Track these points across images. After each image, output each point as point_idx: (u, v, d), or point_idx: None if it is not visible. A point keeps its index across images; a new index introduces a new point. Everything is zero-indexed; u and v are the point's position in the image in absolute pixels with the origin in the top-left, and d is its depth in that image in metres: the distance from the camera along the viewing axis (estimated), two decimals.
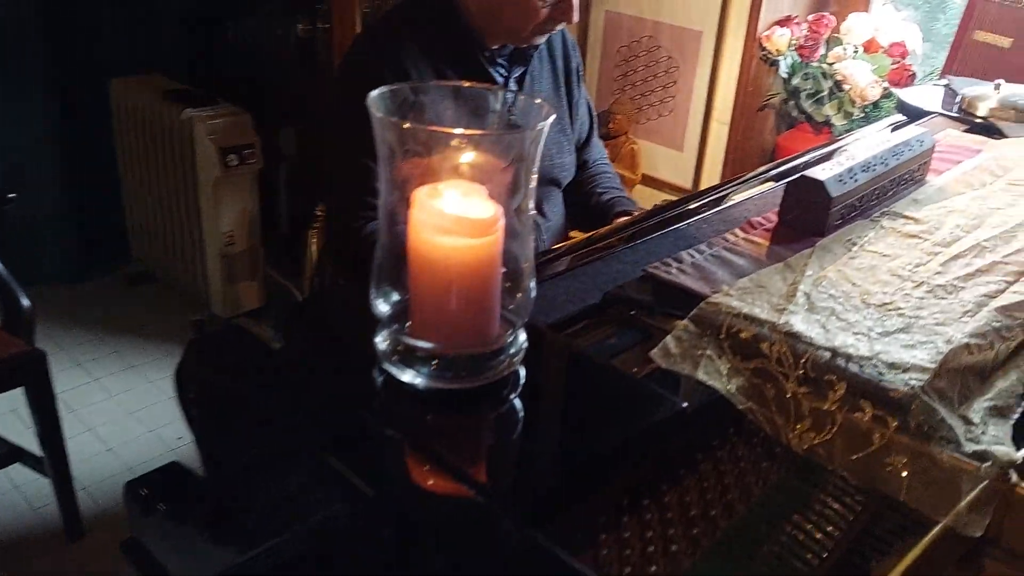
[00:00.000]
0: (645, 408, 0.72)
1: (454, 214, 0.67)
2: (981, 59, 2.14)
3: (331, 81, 1.52)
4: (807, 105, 2.33)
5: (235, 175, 2.62)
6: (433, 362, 0.69)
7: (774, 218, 1.10)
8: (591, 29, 2.74)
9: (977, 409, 0.75)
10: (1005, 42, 2.08)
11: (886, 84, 2.23)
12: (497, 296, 0.70)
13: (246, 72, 2.81)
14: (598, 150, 1.82)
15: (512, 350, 0.72)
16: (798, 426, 0.75)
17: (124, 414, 2.49)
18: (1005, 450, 0.69)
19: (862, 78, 2.20)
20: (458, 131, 0.64)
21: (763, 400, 0.77)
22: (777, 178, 1.35)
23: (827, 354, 0.77)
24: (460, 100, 0.73)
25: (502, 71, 1.54)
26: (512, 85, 1.56)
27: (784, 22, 2.35)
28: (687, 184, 2.63)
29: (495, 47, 1.50)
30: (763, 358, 0.79)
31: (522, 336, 0.73)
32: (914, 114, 1.68)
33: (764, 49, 2.35)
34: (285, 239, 2.83)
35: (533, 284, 0.73)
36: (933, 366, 0.75)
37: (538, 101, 0.68)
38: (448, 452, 0.64)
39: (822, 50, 2.27)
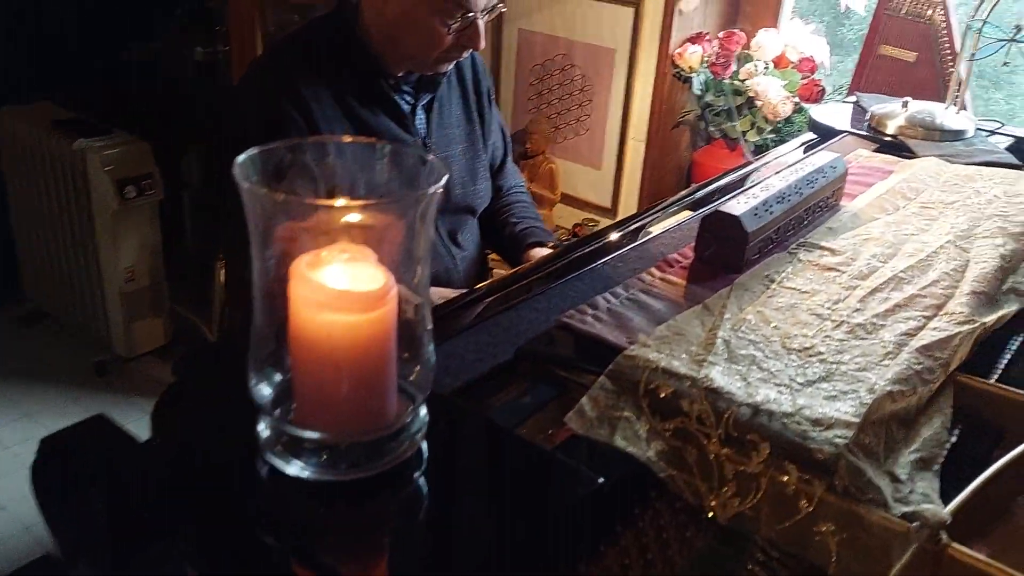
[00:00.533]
0: (559, 484, 0.66)
1: (338, 288, 0.60)
2: (888, 73, 2.17)
3: (228, 107, 1.42)
4: (721, 122, 2.33)
5: (134, 207, 2.47)
6: (323, 453, 0.62)
7: (690, 254, 1.07)
8: (504, 48, 2.70)
9: (903, 463, 0.72)
10: (910, 56, 2.12)
11: (797, 99, 2.25)
12: (392, 374, 0.63)
13: (143, 99, 2.67)
14: (513, 176, 1.77)
15: (413, 428, 0.65)
16: (722, 491, 0.70)
17: (20, 467, 2.32)
18: (935, 509, 0.66)
19: (773, 94, 2.21)
20: (339, 203, 0.57)
21: (684, 465, 0.72)
22: (693, 206, 1.32)
23: (748, 411, 0.73)
24: (347, 154, 0.67)
25: (408, 98, 1.48)
26: (420, 112, 1.50)
27: (695, 39, 2.34)
28: (606, 203, 2.60)
29: (400, 74, 1.44)
30: (684, 417, 0.75)
31: (423, 411, 0.66)
32: (825, 133, 1.69)
33: (677, 67, 2.34)
34: (191, 272, 2.70)
35: (432, 352, 0.66)
36: (857, 420, 0.72)
37: (431, 159, 0.62)
38: (340, 559, 0.57)
39: (734, 67, 2.28)
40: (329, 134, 1.34)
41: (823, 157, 1.23)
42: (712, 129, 2.38)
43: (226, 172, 1.49)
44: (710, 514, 0.69)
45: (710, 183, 1.44)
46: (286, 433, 0.62)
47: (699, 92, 2.38)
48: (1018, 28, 1.54)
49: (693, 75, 2.36)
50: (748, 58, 2.29)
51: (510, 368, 0.85)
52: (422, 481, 0.65)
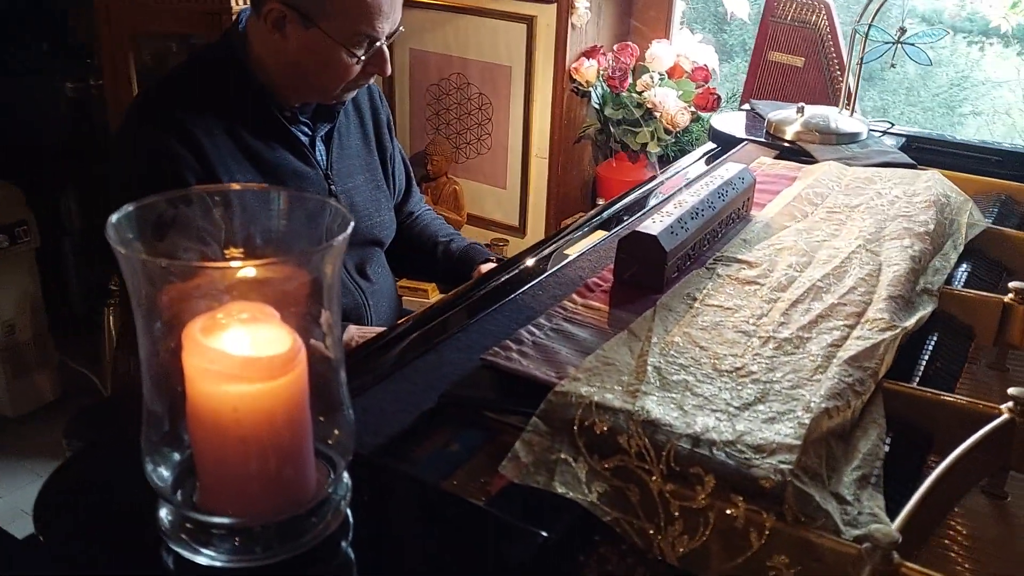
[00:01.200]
0: (500, 544, 0.62)
1: (240, 355, 0.54)
2: (778, 79, 2.23)
3: (112, 153, 1.32)
4: (621, 134, 2.34)
5: (8, 257, 2.30)
6: (235, 538, 0.55)
7: (610, 277, 1.04)
8: (396, 69, 2.64)
9: (847, 483, 0.71)
10: (798, 61, 2.18)
11: (694, 109, 2.28)
12: (308, 443, 0.57)
13: (11, 140, 2.49)
14: (420, 198, 1.72)
15: (335, 499, 0.59)
16: (669, 529, 0.67)
17: None
18: (885, 529, 0.64)
19: (671, 105, 2.23)
20: (233, 263, 0.51)
21: (628, 506, 0.68)
22: (604, 225, 1.30)
23: (688, 442, 0.70)
24: (237, 203, 0.60)
25: (306, 130, 1.41)
26: (319, 144, 1.43)
27: (590, 53, 2.35)
28: (514, 221, 2.58)
29: (296, 105, 1.37)
30: (623, 454, 0.71)
31: (345, 477, 0.60)
32: (725, 141, 1.70)
33: (574, 81, 2.34)
34: (77, 321, 2.52)
35: (351, 410, 0.60)
36: (799, 443, 0.70)
37: (336, 205, 0.56)
38: None
39: (630, 79, 2.29)
40: (224, 171, 1.26)
41: (731, 168, 1.22)
42: (614, 143, 2.39)
43: None
44: (659, 556, 0.66)
45: (618, 200, 1.42)
46: (191, 519, 0.55)
47: (598, 106, 2.38)
48: (902, 30, 1.59)
49: (591, 89, 2.36)
50: (644, 70, 2.30)
51: (434, 414, 0.79)
52: (350, 555, 0.59)
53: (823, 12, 2.13)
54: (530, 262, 1.12)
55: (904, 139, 1.69)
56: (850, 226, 1.19)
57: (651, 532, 0.67)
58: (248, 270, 0.54)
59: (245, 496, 0.56)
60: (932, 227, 1.19)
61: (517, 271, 1.09)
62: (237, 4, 2.02)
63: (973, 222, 1.29)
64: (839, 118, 1.66)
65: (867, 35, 1.60)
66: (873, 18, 1.58)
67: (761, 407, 0.76)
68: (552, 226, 2.46)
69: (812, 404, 0.75)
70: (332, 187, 1.43)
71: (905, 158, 1.54)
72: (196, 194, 0.57)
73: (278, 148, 1.35)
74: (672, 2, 2.42)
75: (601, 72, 2.32)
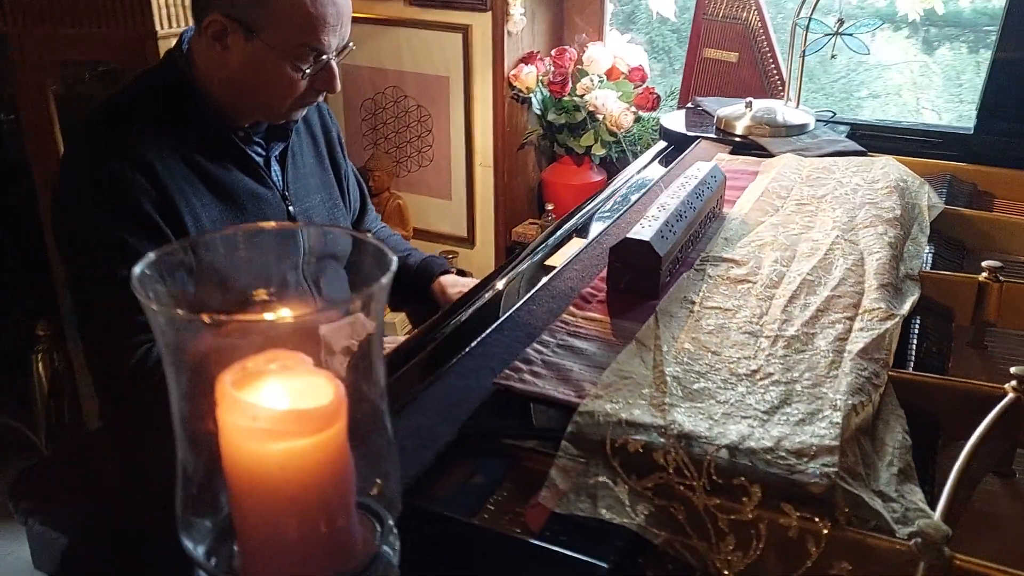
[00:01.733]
0: None
1: (286, 409, 0.50)
2: (713, 75, 2.26)
3: (56, 187, 1.23)
4: (565, 139, 2.33)
5: None
6: None
7: (603, 285, 1.02)
8: None
9: (885, 479, 0.70)
10: (732, 57, 2.21)
11: (634, 109, 2.29)
12: (353, 498, 0.54)
13: None
14: (375, 216, 1.69)
15: (386, 554, 0.56)
16: (721, 546, 0.65)
17: None
18: (935, 524, 0.64)
19: (613, 106, 2.24)
20: (284, 313, 0.47)
21: (676, 525, 0.67)
22: (579, 232, 1.29)
23: (727, 453, 0.69)
24: (256, 243, 0.56)
25: (259, 150, 1.36)
26: (274, 164, 1.38)
27: (527, 59, 2.34)
28: (462, 232, 2.54)
29: (247, 125, 1.31)
30: (661, 471, 0.69)
31: (394, 533, 0.57)
32: (679, 140, 1.71)
33: (514, 88, 2.33)
34: (4, 370, 2.38)
35: (396, 462, 0.57)
36: (837, 443, 0.69)
37: (374, 243, 0.53)
38: None
39: (571, 83, 2.29)
40: (180, 197, 1.20)
41: (703, 167, 1.22)
42: (558, 147, 2.38)
43: (72, 256, 1.27)
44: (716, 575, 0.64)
45: (584, 205, 1.41)
46: None
47: (539, 111, 2.37)
48: (840, 22, 1.63)
49: (531, 95, 2.35)
50: (583, 73, 2.31)
51: (449, 446, 0.76)
52: None
53: (753, 8, 2.17)
54: (516, 276, 1.09)
55: (848, 127, 1.73)
56: (822, 217, 1.21)
57: (704, 550, 0.65)
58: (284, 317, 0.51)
59: (295, 559, 0.52)
60: (899, 212, 1.21)
61: (502, 288, 1.06)
62: (162, 28, 1.94)
63: (931, 204, 1.32)
64: (787, 110, 1.69)
65: (808, 28, 1.63)
66: (812, 11, 1.61)
67: (788, 409, 0.75)
68: (502, 235, 2.44)
69: (838, 402, 0.75)
70: (289, 208, 1.38)
71: (855, 146, 1.57)
72: (212, 239, 0.52)
73: (233, 170, 1.30)
74: (603, 4, 2.43)
75: (541, 77, 2.32)
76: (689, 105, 1.96)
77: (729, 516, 0.66)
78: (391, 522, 0.56)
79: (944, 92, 2.58)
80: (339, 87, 1.32)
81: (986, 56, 2.15)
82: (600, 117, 2.25)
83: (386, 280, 0.50)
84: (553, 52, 2.33)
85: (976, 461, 0.77)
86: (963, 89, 2.53)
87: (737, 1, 2.19)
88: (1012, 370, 0.84)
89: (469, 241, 2.53)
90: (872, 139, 1.70)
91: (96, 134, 1.20)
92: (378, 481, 0.56)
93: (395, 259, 0.51)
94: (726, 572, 0.64)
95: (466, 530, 0.62)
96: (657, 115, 2.32)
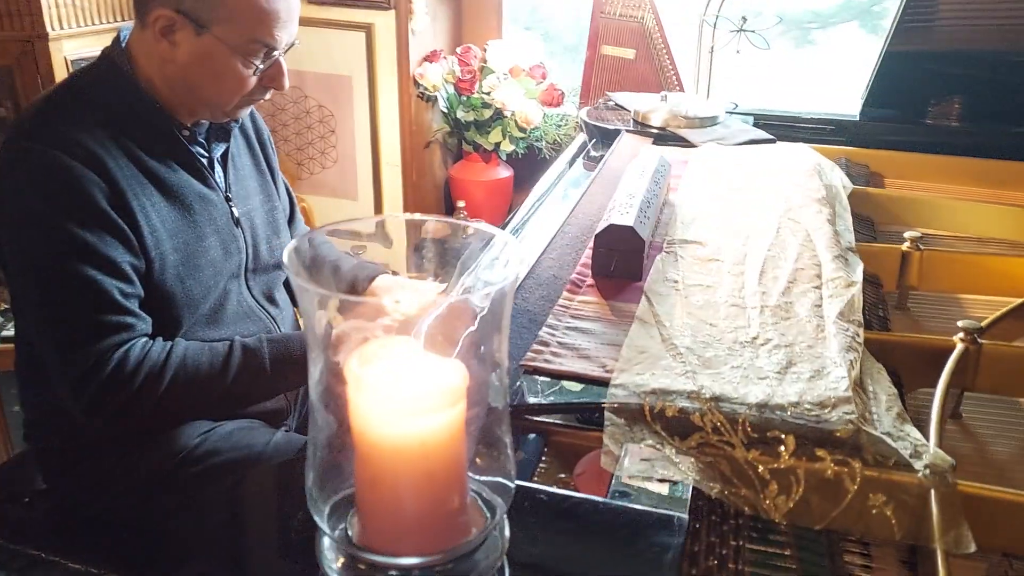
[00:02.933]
0: (652, 535, 0.64)
1: (418, 389, 0.52)
2: (612, 72, 2.36)
3: None
4: (473, 136, 2.37)
5: None
6: None
7: (586, 271, 1.08)
8: None
9: (887, 422, 0.79)
10: (629, 53, 2.32)
11: (539, 105, 2.36)
12: (466, 476, 0.57)
13: None
14: (302, 221, 1.67)
15: (496, 536, 0.58)
16: (767, 492, 0.72)
17: None
18: (940, 455, 0.74)
19: (519, 103, 2.30)
20: (440, 297, 0.49)
21: (724, 477, 0.73)
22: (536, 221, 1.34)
23: (757, 411, 0.76)
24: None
25: (202, 151, 1.32)
26: (218, 167, 1.34)
27: (431, 57, 2.36)
28: (371, 231, 2.53)
29: (190, 124, 1.28)
30: (699, 432, 0.75)
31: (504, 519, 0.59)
32: (602, 134, 1.79)
33: (420, 86, 2.34)
34: None
35: (511, 447, 0.59)
36: (850, 394, 0.78)
37: (469, 228, 0.56)
38: None
39: (479, 81, 2.33)
40: (132, 196, 1.15)
41: (652, 157, 1.30)
42: (466, 144, 2.42)
43: (19, 260, 1.18)
44: (767, 517, 0.71)
45: (532, 201, 1.46)
46: (360, 559, 0.53)
47: (446, 109, 2.40)
48: (744, 19, 1.75)
49: (436, 93, 2.37)
50: (488, 71, 2.35)
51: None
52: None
53: (648, 6, 2.29)
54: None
55: (752, 116, 1.87)
56: (759, 199, 1.31)
57: (753, 497, 0.72)
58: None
59: (419, 532, 0.55)
60: (824, 192, 1.34)
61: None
62: (53, 30, 1.83)
63: (844, 184, 1.46)
64: (699, 103, 1.80)
65: (715, 25, 1.75)
66: (720, 8, 1.73)
67: (796, 369, 0.83)
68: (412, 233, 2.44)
69: (837, 360, 0.84)
70: (233, 210, 1.35)
71: (765, 135, 1.71)
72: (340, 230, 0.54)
73: (179, 170, 1.26)
74: (500, 3, 2.49)
75: (446, 76, 2.35)
76: (601, 100, 2.04)
77: (768, 465, 0.73)
78: (508, 499, 0.58)
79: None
80: (287, 84, 1.30)
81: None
82: (508, 114, 2.31)
83: (520, 271, 0.53)
84: (459, 50, 2.37)
85: (944, 404, 0.88)
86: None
87: (632, 1, 2.31)
88: (960, 323, 0.96)
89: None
90: (771, 127, 1.84)
91: (39, 129, 1.12)
92: (499, 461, 0.59)
93: (518, 246, 0.54)
94: (775, 513, 0.71)
95: (550, 498, 0.66)
96: (559, 111, 2.40)
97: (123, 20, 2.00)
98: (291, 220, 1.60)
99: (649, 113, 1.78)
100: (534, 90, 2.37)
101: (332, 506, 0.56)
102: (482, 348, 0.54)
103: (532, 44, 2.50)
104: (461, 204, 2.41)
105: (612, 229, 1.04)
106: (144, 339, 1.15)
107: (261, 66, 1.21)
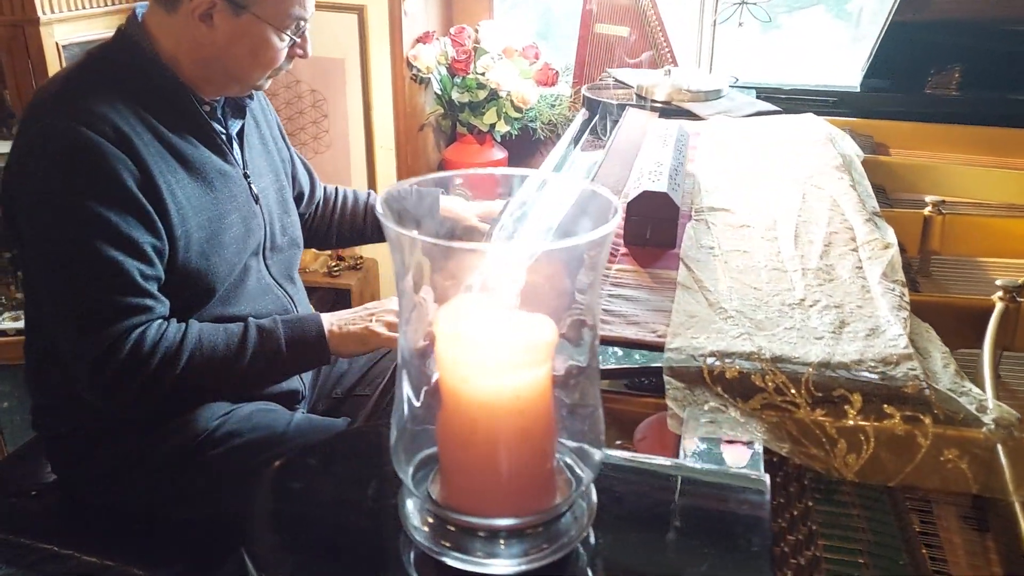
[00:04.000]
0: (739, 498, 0.62)
1: (513, 343, 0.50)
2: (607, 49, 2.34)
3: (13, 168, 1.11)
4: (468, 117, 2.34)
5: None
6: (500, 541, 0.52)
7: (618, 240, 1.06)
8: None
9: (949, 379, 0.79)
10: (624, 31, 2.30)
11: (535, 85, 2.33)
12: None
13: None
14: (320, 184, 1.68)
15: (583, 502, 0.57)
16: (835, 450, 0.71)
17: None
18: (1006, 410, 0.73)
19: (515, 84, 2.27)
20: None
21: (792, 437, 0.72)
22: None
23: (820, 370, 0.75)
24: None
25: (220, 127, 1.30)
26: (235, 143, 1.32)
27: (424, 38, 2.32)
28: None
29: (210, 100, 1.26)
30: (762, 392, 0.74)
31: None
32: (605, 110, 1.77)
33: (414, 68, 2.31)
34: None
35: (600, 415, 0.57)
36: (910, 350, 0.77)
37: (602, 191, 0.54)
38: None
39: (474, 62, 2.30)
40: (158, 172, 1.13)
41: (671, 127, 1.29)
42: (461, 126, 2.39)
43: (38, 238, 1.15)
44: (838, 476, 0.70)
45: (534, 177, 1.44)
46: (449, 519, 0.52)
47: (439, 91, 2.37)
48: None
49: (430, 75, 2.34)
50: (481, 52, 2.32)
51: None
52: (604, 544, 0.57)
53: None
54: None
55: (753, 90, 1.86)
56: (779, 167, 1.31)
57: (824, 456, 0.71)
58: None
59: (517, 494, 0.53)
60: (840, 160, 1.34)
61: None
62: (44, 14, 1.77)
63: (856, 153, 1.46)
64: (702, 76, 1.79)
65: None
66: None
67: (850, 328, 0.82)
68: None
69: (889, 319, 0.83)
70: (252, 187, 1.33)
71: (771, 106, 1.70)
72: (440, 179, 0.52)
73: (199, 146, 1.24)
74: None
75: (440, 57, 2.31)
76: (602, 77, 2.03)
77: (836, 424, 0.72)
78: (598, 462, 0.56)
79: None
80: (311, 51, 1.30)
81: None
82: (503, 94, 2.28)
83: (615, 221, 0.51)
84: (452, 31, 2.33)
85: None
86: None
87: None
88: (997, 282, 0.96)
89: None
90: (773, 100, 1.84)
91: (64, 106, 1.09)
92: (589, 426, 0.57)
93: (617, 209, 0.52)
94: (845, 471, 0.70)
95: (626, 462, 0.64)
96: (553, 91, 2.38)
97: (113, 4, 1.95)
98: (313, 188, 1.60)
99: (653, 87, 1.77)
100: (528, 70, 2.34)
101: (415, 466, 0.55)
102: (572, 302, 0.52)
103: (520, 25, 2.47)
104: (459, 183, 2.38)
105: (646, 196, 1.03)
106: (159, 321, 1.12)
107: (296, 38, 1.21)
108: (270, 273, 1.36)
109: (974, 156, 1.66)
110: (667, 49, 2.30)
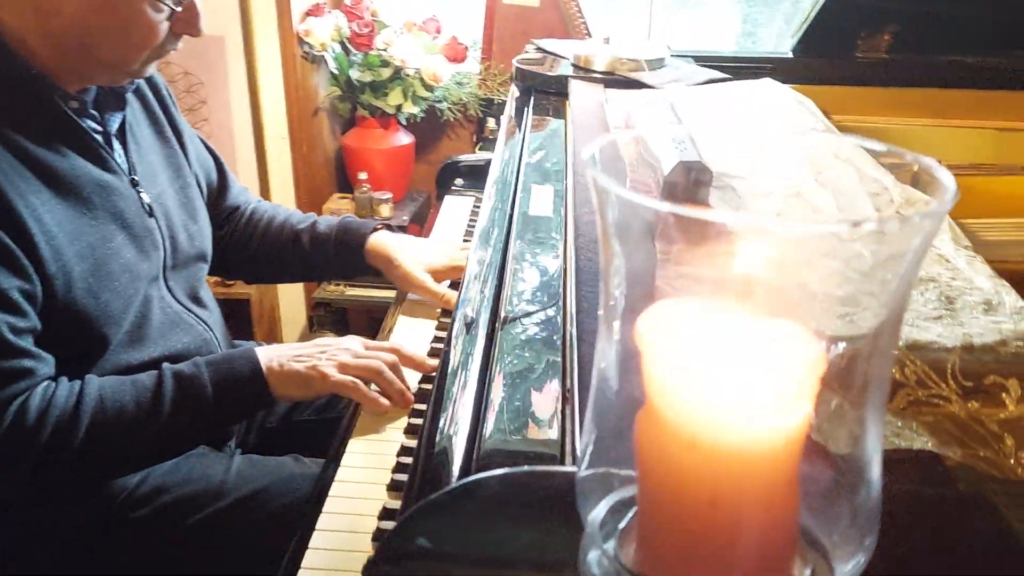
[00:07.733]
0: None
1: (774, 374, 0.35)
2: (516, 22, 2.20)
3: None
4: (369, 98, 2.13)
5: None
6: None
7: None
8: None
9: None
10: (534, 2, 2.16)
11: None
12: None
13: None
14: (242, 188, 1.43)
15: None
16: (1002, 449, 0.60)
17: None
18: None
19: (426, 60, 2.08)
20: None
21: (956, 439, 0.60)
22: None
23: (963, 355, 0.63)
24: None
25: (95, 125, 1.05)
26: (116, 143, 1.07)
27: (314, 11, 2.09)
28: None
29: (75, 91, 1.01)
30: (903, 387, 0.62)
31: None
32: (543, 82, 1.63)
33: (306, 45, 2.07)
34: None
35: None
36: None
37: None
38: None
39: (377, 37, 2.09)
40: (16, 195, 0.91)
41: (655, 97, 1.16)
42: (362, 109, 2.17)
43: None
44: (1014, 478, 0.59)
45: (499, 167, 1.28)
46: None
47: (336, 70, 2.14)
48: None
49: (324, 52, 2.11)
50: (382, 25, 2.11)
51: None
52: None
53: None
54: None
55: (691, 58, 1.77)
56: (766, 130, 1.20)
57: (994, 457, 0.59)
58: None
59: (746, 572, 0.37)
60: (824, 124, 1.25)
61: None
62: None
63: (821, 117, 1.39)
64: (641, 45, 1.67)
65: None
66: None
67: (960, 303, 0.72)
68: (306, 210, 2.18)
69: (997, 289, 0.73)
70: (143, 196, 1.09)
71: (721, 74, 1.61)
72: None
73: (69, 153, 0.99)
74: None
75: (340, 30, 2.08)
76: (527, 50, 1.87)
77: (994, 415, 0.61)
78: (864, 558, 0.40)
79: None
80: (204, 30, 1.07)
81: None
82: (410, 72, 2.08)
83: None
84: (348, 2, 2.11)
85: None
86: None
87: None
88: None
89: None
90: (710, 67, 1.75)
91: None
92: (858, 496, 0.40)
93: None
94: (1020, 473, 0.59)
95: None
96: (462, 68, 2.21)
97: None
98: (222, 188, 1.36)
99: (592, 57, 1.64)
100: (433, 45, 2.16)
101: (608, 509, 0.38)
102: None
103: None
104: (363, 176, 2.17)
105: (684, 166, 0.89)
106: (45, 383, 0.89)
107: (176, 7, 0.98)
108: (175, 297, 1.13)
109: (916, 119, 1.64)
110: (581, 20, 2.18)
